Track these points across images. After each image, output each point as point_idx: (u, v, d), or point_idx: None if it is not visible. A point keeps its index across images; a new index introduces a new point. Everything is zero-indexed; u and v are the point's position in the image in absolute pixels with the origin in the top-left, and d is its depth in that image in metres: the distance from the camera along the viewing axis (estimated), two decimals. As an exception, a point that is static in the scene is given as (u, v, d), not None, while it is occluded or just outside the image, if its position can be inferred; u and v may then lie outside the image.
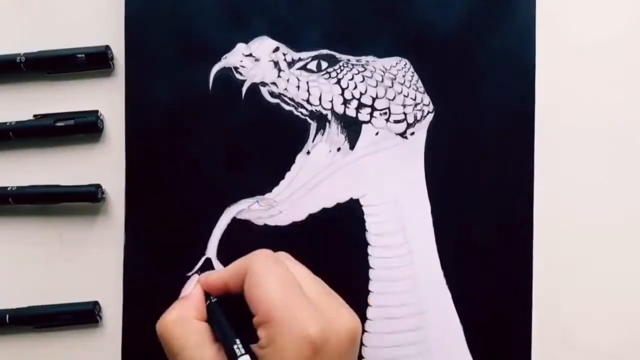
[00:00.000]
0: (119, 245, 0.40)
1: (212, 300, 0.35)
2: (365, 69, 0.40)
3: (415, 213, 0.39)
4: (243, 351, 0.31)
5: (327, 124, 0.39)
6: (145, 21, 0.40)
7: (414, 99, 0.40)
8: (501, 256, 0.39)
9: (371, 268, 0.39)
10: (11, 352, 0.41)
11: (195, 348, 0.33)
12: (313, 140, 0.39)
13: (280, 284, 0.33)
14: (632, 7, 0.40)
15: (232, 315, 0.34)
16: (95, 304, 0.40)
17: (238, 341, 0.32)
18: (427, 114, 0.40)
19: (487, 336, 0.39)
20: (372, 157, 0.39)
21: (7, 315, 0.40)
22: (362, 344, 0.39)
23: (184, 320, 0.34)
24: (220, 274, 0.35)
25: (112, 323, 0.40)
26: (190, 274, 0.39)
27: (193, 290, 0.36)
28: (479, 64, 0.40)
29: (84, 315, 0.40)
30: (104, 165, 0.41)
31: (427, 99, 0.40)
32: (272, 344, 0.31)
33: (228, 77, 0.39)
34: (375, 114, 0.39)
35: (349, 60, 0.40)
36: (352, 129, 0.39)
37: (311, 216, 0.39)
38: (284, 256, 0.35)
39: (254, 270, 0.33)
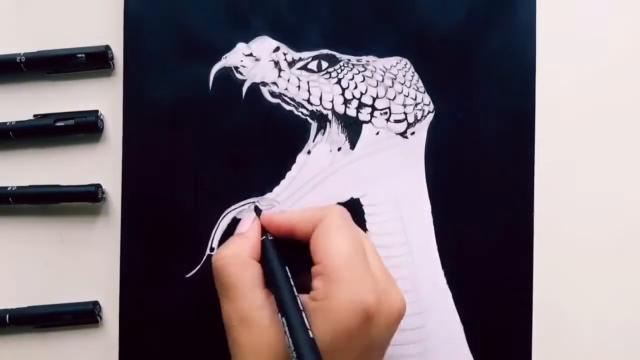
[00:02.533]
0: (119, 245, 0.40)
1: (269, 238, 0.35)
2: (366, 69, 0.40)
3: (416, 212, 0.39)
4: (289, 302, 0.31)
5: (328, 123, 0.39)
6: (145, 21, 0.40)
7: (415, 99, 0.40)
8: (501, 256, 0.39)
9: (372, 267, 0.39)
10: (11, 352, 0.41)
11: (249, 287, 0.33)
12: (314, 140, 0.39)
13: (350, 245, 0.33)
14: (633, 5, 0.40)
15: (283, 259, 0.34)
16: (95, 303, 0.40)
17: (285, 291, 0.32)
18: (428, 113, 0.40)
19: (487, 335, 0.39)
20: (373, 157, 0.39)
21: (8, 315, 0.40)
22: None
23: (241, 257, 0.34)
24: (290, 215, 0.36)
25: (112, 323, 0.40)
26: (234, 210, 0.39)
27: (251, 226, 0.36)
28: (479, 63, 0.40)
29: (84, 315, 0.40)
30: (104, 165, 0.40)
31: (427, 99, 0.40)
32: (327, 299, 0.31)
33: (228, 76, 0.39)
34: (376, 113, 0.39)
35: (349, 60, 0.40)
36: (352, 128, 0.39)
37: (312, 216, 0.39)
38: (352, 222, 0.36)
39: (330, 223, 0.34)
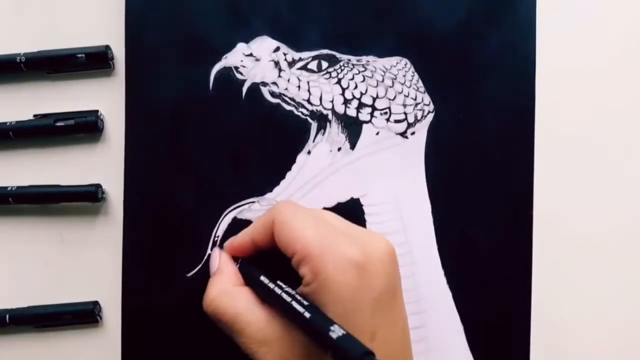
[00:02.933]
0: (119, 245, 0.40)
1: (240, 260, 0.36)
2: (366, 69, 0.40)
3: (416, 212, 0.39)
4: (291, 295, 0.31)
5: (328, 123, 0.39)
6: (145, 21, 0.40)
7: (415, 99, 0.40)
8: (501, 255, 0.39)
9: (372, 267, 0.39)
10: (11, 352, 0.41)
11: (248, 312, 0.33)
12: (314, 140, 0.39)
13: (311, 222, 0.34)
14: (633, 5, 0.40)
15: (264, 269, 0.35)
16: (95, 303, 0.40)
17: (276, 288, 0.32)
18: (428, 113, 0.40)
19: (487, 335, 0.39)
20: (373, 157, 0.39)
21: (7, 315, 0.40)
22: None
23: (226, 291, 0.35)
24: (245, 234, 0.36)
25: (112, 323, 0.40)
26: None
27: (221, 260, 0.37)
28: (479, 63, 0.40)
29: (84, 315, 0.40)
30: (104, 165, 0.40)
31: (427, 99, 0.40)
32: (317, 277, 0.31)
33: (228, 76, 0.39)
34: (376, 113, 0.40)
35: (349, 60, 0.40)
36: (352, 128, 0.39)
37: (312, 216, 0.39)
38: (300, 205, 0.36)
39: (282, 217, 0.34)
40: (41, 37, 0.41)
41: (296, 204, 0.36)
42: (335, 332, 0.28)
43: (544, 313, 0.39)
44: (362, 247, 0.32)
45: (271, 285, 0.33)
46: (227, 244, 0.37)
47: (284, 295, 0.32)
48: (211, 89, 0.39)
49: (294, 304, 0.31)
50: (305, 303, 0.31)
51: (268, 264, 0.35)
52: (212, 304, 0.34)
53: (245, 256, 0.36)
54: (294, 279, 0.33)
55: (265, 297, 0.34)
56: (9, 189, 0.40)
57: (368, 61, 0.40)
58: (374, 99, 0.40)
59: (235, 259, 0.37)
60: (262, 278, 0.34)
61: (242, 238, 0.36)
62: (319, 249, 0.32)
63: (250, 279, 0.35)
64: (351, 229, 0.35)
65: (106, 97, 0.41)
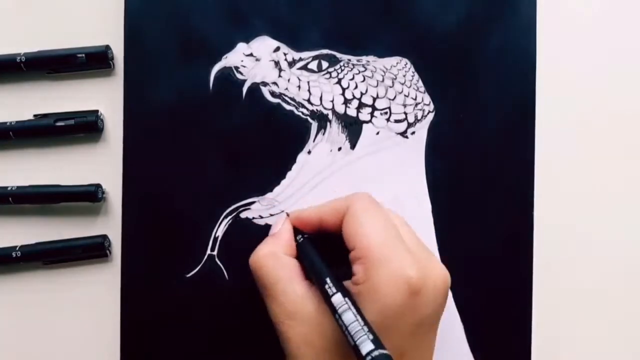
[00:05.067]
0: (119, 245, 0.40)
1: (304, 236, 0.36)
2: (366, 69, 0.40)
3: (416, 212, 0.39)
4: (334, 290, 0.31)
5: (328, 123, 0.39)
6: (145, 21, 0.40)
7: (415, 99, 0.40)
8: (502, 255, 0.39)
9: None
10: (20, 288, 0.41)
11: (288, 282, 0.34)
12: (314, 140, 0.39)
13: (382, 224, 0.33)
14: (633, 4, 0.40)
15: (321, 253, 0.35)
16: (105, 237, 0.40)
17: (328, 280, 0.32)
18: (428, 113, 0.40)
19: (488, 335, 0.39)
20: (373, 157, 0.39)
21: (17, 251, 0.40)
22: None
23: (276, 255, 0.35)
24: (317, 210, 0.36)
25: (112, 322, 0.40)
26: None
27: (282, 227, 0.37)
28: (479, 63, 0.40)
29: (93, 249, 0.40)
30: (104, 165, 0.40)
31: (427, 99, 0.40)
32: (369, 280, 0.31)
33: (229, 76, 0.39)
34: (376, 113, 0.40)
35: (349, 60, 0.40)
36: (352, 128, 0.39)
37: (312, 216, 0.39)
38: (380, 205, 0.36)
39: (357, 208, 0.34)
40: (41, 37, 0.41)
41: (375, 200, 0.36)
42: (374, 348, 0.28)
43: (545, 313, 0.39)
44: (422, 268, 0.32)
45: (323, 273, 0.32)
46: (293, 213, 0.37)
47: (333, 289, 0.31)
48: (211, 89, 0.39)
49: (341, 300, 0.30)
50: (352, 305, 0.30)
51: (326, 246, 0.35)
52: (258, 260, 0.35)
53: (307, 231, 0.36)
54: (346, 268, 0.33)
55: (313, 278, 0.34)
56: (9, 189, 0.40)
57: (368, 61, 0.40)
58: (374, 99, 0.40)
59: (296, 231, 0.37)
60: (317, 263, 0.34)
61: (310, 213, 0.36)
62: (379, 254, 0.32)
63: (304, 256, 0.35)
64: (417, 247, 0.34)
65: (106, 97, 0.41)
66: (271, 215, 0.39)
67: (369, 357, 0.28)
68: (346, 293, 0.31)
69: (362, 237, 0.33)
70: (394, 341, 0.31)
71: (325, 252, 0.34)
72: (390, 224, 0.34)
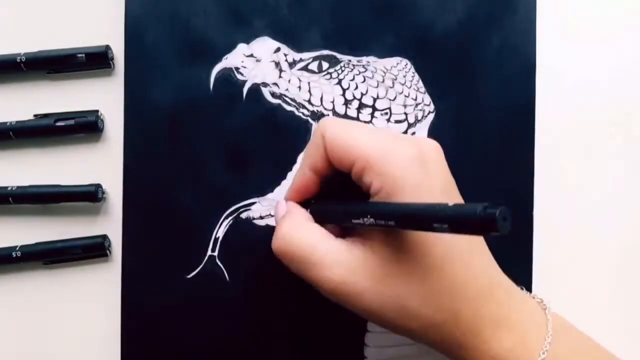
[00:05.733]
0: (119, 245, 0.40)
1: (312, 207, 0.35)
2: (366, 70, 0.40)
3: (416, 213, 0.39)
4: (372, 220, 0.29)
5: (329, 124, 0.39)
6: (145, 21, 0.40)
7: (415, 99, 0.40)
8: (502, 255, 0.39)
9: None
10: (20, 288, 0.41)
11: (325, 241, 0.32)
12: (314, 141, 0.39)
13: (362, 128, 0.33)
14: (633, 4, 0.41)
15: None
16: (104, 237, 0.40)
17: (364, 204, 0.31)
18: (428, 113, 0.40)
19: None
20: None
21: (17, 251, 0.40)
22: (364, 343, 0.39)
23: (300, 225, 0.33)
24: (300, 168, 0.35)
25: (114, 323, 0.40)
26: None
27: (289, 205, 0.35)
28: (479, 63, 0.40)
29: (93, 249, 0.40)
30: (104, 165, 0.40)
31: (427, 99, 0.40)
32: (385, 179, 0.31)
33: (229, 77, 0.39)
34: (377, 114, 0.40)
35: (349, 60, 0.40)
36: (353, 129, 0.39)
37: (312, 216, 0.39)
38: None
39: (332, 130, 0.33)
40: (41, 37, 0.41)
41: (341, 119, 0.35)
42: (446, 205, 0.26)
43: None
44: (416, 146, 0.32)
45: (362, 220, 0.30)
46: (287, 192, 0.36)
47: (370, 205, 0.30)
48: (211, 89, 0.39)
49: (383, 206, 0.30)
50: (394, 201, 0.29)
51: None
52: (284, 238, 0.33)
53: (310, 196, 0.35)
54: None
55: (347, 217, 0.31)
56: (9, 189, 0.40)
57: (368, 62, 0.40)
58: (375, 100, 0.40)
59: (302, 205, 0.35)
60: (343, 209, 0.32)
61: (299, 175, 0.35)
62: (378, 152, 0.31)
63: (324, 214, 0.34)
64: (399, 134, 0.34)
65: (106, 97, 0.41)
66: (271, 215, 0.39)
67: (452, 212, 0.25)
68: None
69: (352, 148, 0.32)
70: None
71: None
72: (366, 126, 0.34)
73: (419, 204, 0.28)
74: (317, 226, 0.33)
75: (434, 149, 0.32)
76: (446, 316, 0.30)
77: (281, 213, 0.35)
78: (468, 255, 0.31)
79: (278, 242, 0.33)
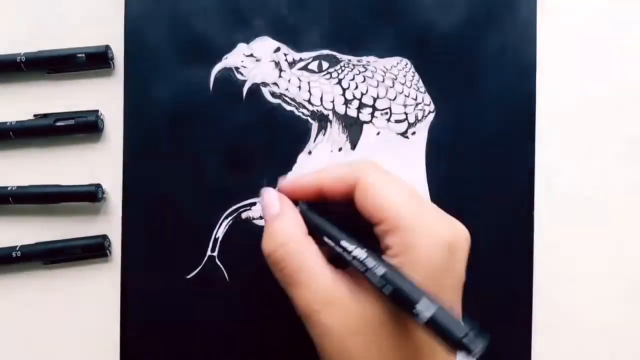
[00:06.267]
0: (119, 245, 0.40)
1: (303, 207, 0.33)
2: (366, 69, 0.40)
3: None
4: (376, 261, 0.29)
5: (329, 124, 0.39)
6: (145, 21, 0.40)
7: (415, 99, 0.40)
8: (502, 255, 0.39)
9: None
10: (20, 288, 0.41)
11: (319, 267, 0.31)
12: (314, 140, 0.39)
13: (404, 191, 0.32)
14: (633, 4, 0.40)
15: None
16: (105, 237, 0.40)
17: (363, 252, 0.30)
18: (428, 113, 0.40)
19: (488, 336, 0.39)
20: (374, 157, 0.39)
21: (17, 251, 0.40)
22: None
23: (297, 238, 0.32)
24: (313, 179, 0.33)
25: (114, 324, 0.40)
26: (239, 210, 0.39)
27: (284, 204, 0.34)
28: (479, 63, 0.40)
29: (93, 249, 0.40)
30: (104, 165, 0.40)
31: (427, 99, 0.40)
32: (408, 250, 0.30)
33: (229, 77, 0.39)
34: (377, 113, 0.40)
35: (349, 60, 0.40)
36: (353, 129, 0.39)
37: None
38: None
39: (371, 180, 0.32)
40: (41, 37, 0.41)
41: (381, 167, 0.33)
42: (429, 306, 0.27)
43: (546, 314, 0.39)
44: (452, 227, 0.31)
45: (351, 247, 0.30)
46: (285, 183, 0.34)
47: (369, 259, 0.30)
48: (211, 89, 0.39)
49: (380, 268, 0.29)
50: (394, 270, 0.29)
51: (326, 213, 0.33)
52: (279, 250, 0.31)
53: (302, 200, 0.34)
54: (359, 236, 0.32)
55: (336, 252, 0.31)
56: (9, 189, 0.40)
57: (368, 61, 0.40)
58: (375, 99, 0.40)
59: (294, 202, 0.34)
60: (333, 231, 0.31)
61: (307, 182, 0.33)
62: (412, 221, 0.30)
63: (315, 229, 0.32)
64: (437, 208, 0.33)
65: (106, 97, 0.41)
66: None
67: (431, 319, 0.27)
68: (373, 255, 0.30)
69: (388, 209, 0.31)
70: (444, 302, 0.29)
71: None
72: (409, 189, 0.32)
73: (417, 288, 0.28)
74: (311, 244, 0.32)
75: (466, 238, 0.32)
76: None
77: (272, 209, 0.33)
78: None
79: (272, 250, 0.32)
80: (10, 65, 0.40)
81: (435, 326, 0.27)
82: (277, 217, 0.33)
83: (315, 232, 0.32)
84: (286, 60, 0.40)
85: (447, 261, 0.30)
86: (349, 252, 0.30)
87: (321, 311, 0.30)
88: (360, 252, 0.30)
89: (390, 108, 0.40)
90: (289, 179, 0.35)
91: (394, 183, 0.32)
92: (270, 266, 0.32)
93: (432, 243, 0.30)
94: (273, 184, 0.39)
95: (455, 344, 0.26)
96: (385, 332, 0.30)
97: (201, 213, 0.39)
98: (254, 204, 0.39)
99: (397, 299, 0.29)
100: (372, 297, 0.30)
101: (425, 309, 0.27)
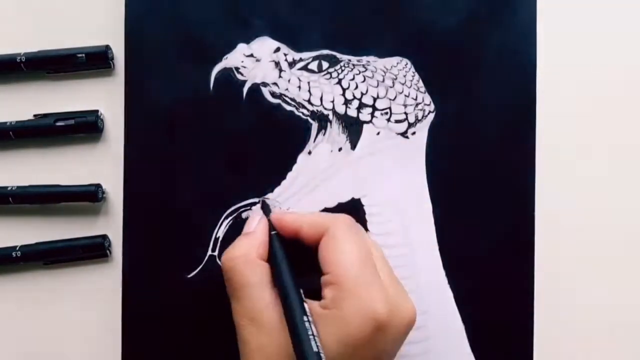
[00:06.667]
0: (119, 245, 0.40)
1: (275, 235, 0.36)
2: (366, 69, 0.40)
3: (417, 213, 0.39)
4: (298, 309, 0.32)
5: (329, 124, 0.39)
6: (145, 21, 0.40)
7: (415, 99, 0.40)
8: (502, 255, 0.39)
9: (372, 268, 0.39)
10: (21, 288, 0.41)
11: (257, 287, 0.33)
12: (314, 140, 0.39)
13: (358, 255, 0.33)
14: (633, 4, 0.40)
15: (290, 257, 0.35)
16: (105, 237, 0.40)
17: (293, 299, 0.32)
18: (428, 113, 0.40)
19: (489, 336, 0.39)
20: (374, 157, 0.39)
21: (17, 251, 0.40)
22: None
23: (249, 259, 0.34)
24: (298, 219, 0.36)
25: (114, 324, 0.40)
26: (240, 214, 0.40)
27: (258, 226, 0.36)
28: (479, 63, 0.40)
29: (93, 249, 0.40)
30: (104, 165, 0.40)
31: (428, 99, 0.40)
32: (337, 309, 0.32)
33: (229, 77, 0.39)
34: (377, 113, 0.40)
35: (349, 60, 0.40)
36: (353, 129, 0.39)
37: (312, 216, 0.39)
38: (362, 230, 0.36)
39: (336, 234, 0.34)
40: (41, 37, 0.41)
41: (357, 226, 0.36)
42: None
43: (547, 313, 0.39)
44: (392, 307, 0.32)
45: (288, 287, 0.33)
46: (276, 214, 0.36)
47: (295, 307, 0.32)
48: (211, 89, 0.39)
49: (301, 322, 0.31)
50: (310, 331, 0.31)
51: (301, 251, 0.35)
52: (230, 262, 0.34)
53: (282, 234, 0.36)
54: (314, 278, 0.34)
55: (278, 286, 0.33)
56: (9, 189, 0.40)
57: (368, 61, 0.40)
58: (375, 99, 0.40)
59: (272, 227, 0.36)
60: (285, 273, 0.34)
61: (290, 220, 0.36)
62: (352, 285, 0.32)
63: (273, 260, 0.35)
64: (391, 281, 0.34)
65: (106, 97, 0.41)
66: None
67: None
68: (309, 312, 0.32)
69: (337, 264, 0.33)
70: None
71: (296, 257, 0.35)
72: (367, 255, 0.34)
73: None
74: (263, 267, 0.34)
75: (406, 323, 0.33)
76: None
77: (248, 228, 0.37)
78: None
79: (226, 258, 0.35)
80: (10, 65, 0.40)
81: None
82: (247, 235, 0.36)
83: (272, 263, 0.35)
84: (286, 60, 0.40)
85: (370, 336, 0.31)
86: (284, 297, 0.33)
87: (246, 327, 0.33)
88: (293, 299, 0.32)
89: (390, 108, 0.40)
90: (279, 212, 0.37)
91: (354, 242, 0.34)
92: (223, 272, 0.35)
93: (358, 312, 0.31)
94: (273, 186, 0.39)
95: None
96: None
97: (201, 213, 0.39)
98: (254, 204, 0.39)
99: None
100: None
101: None
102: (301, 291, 0.33)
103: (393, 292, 0.33)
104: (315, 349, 0.30)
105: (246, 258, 0.34)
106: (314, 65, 0.40)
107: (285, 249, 0.35)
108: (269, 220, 0.36)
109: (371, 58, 0.40)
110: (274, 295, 0.33)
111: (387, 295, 0.32)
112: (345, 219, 0.36)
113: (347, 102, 0.39)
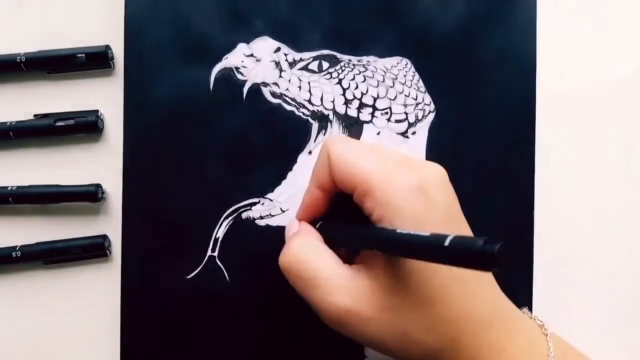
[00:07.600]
0: (119, 245, 0.40)
1: (320, 224, 0.35)
2: (367, 69, 0.40)
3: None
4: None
5: (329, 124, 0.39)
6: (145, 21, 0.40)
7: (415, 99, 0.40)
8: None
9: (372, 268, 0.39)
10: (21, 288, 0.41)
11: (331, 268, 0.32)
12: (315, 140, 0.39)
13: (367, 153, 0.33)
14: (633, 4, 0.41)
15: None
16: (105, 237, 0.40)
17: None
18: (428, 113, 0.40)
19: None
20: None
21: (17, 251, 0.40)
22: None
23: (310, 244, 0.33)
24: (308, 188, 0.35)
25: (114, 323, 0.40)
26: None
27: (301, 224, 0.35)
28: (479, 63, 0.40)
29: (93, 249, 0.40)
30: (104, 165, 0.40)
31: (428, 99, 0.40)
32: (387, 207, 0.31)
33: (229, 77, 0.39)
34: (377, 113, 0.40)
35: (350, 60, 0.40)
36: (353, 128, 0.39)
37: (312, 216, 0.39)
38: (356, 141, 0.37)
39: (337, 151, 0.33)
40: (41, 37, 0.41)
41: (347, 137, 0.36)
42: (444, 237, 0.26)
43: (546, 314, 0.39)
44: (418, 173, 0.32)
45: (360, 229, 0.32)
46: (298, 211, 0.36)
47: (376, 229, 0.31)
48: (211, 89, 0.39)
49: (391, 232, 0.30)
50: (402, 230, 0.29)
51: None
52: (293, 257, 0.33)
53: (320, 213, 0.35)
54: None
55: (352, 242, 0.33)
56: (9, 189, 0.40)
57: (369, 61, 0.40)
58: (375, 99, 0.40)
59: (313, 223, 0.36)
60: (348, 229, 0.33)
61: (307, 193, 0.35)
62: (380, 180, 0.31)
63: (332, 236, 0.34)
64: (404, 158, 0.33)
65: (106, 97, 0.41)
66: (272, 215, 0.39)
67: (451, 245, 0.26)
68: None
69: (356, 174, 0.32)
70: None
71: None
72: (373, 150, 0.33)
73: (419, 236, 0.28)
74: (326, 249, 0.33)
75: (437, 175, 0.32)
76: (446, 345, 0.30)
77: (292, 231, 0.35)
78: (468, 286, 0.31)
79: (286, 258, 0.33)
80: (10, 65, 0.40)
81: (455, 254, 0.26)
82: (294, 235, 0.35)
83: (332, 240, 0.34)
84: (286, 60, 0.40)
85: (423, 203, 0.31)
86: (366, 238, 0.31)
87: (350, 310, 0.31)
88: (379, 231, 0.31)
89: (390, 108, 0.40)
90: (298, 210, 0.36)
91: (356, 147, 0.34)
92: (288, 276, 0.33)
93: (402, 194, 0.31)
94: (273, 186, 0.39)
95: (480, 256, 0.25)
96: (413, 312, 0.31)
97: (201, 213, 0.39)
98: (254, 204, 0.39)
99: (417, 255, 0.28)
100: (387, 270, 0.31)
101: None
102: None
103: (410, 163, 0.33)
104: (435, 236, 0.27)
105: (307, 245, 0.33)
106: (314, 65, 0.40)
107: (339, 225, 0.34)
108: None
109: (371, 58, 0.40)
110: (350, 269, 0.32)
111: (407, 167, 0.32)
112: (334, 137, 0.37)
113: (347, 102, 0.39)
